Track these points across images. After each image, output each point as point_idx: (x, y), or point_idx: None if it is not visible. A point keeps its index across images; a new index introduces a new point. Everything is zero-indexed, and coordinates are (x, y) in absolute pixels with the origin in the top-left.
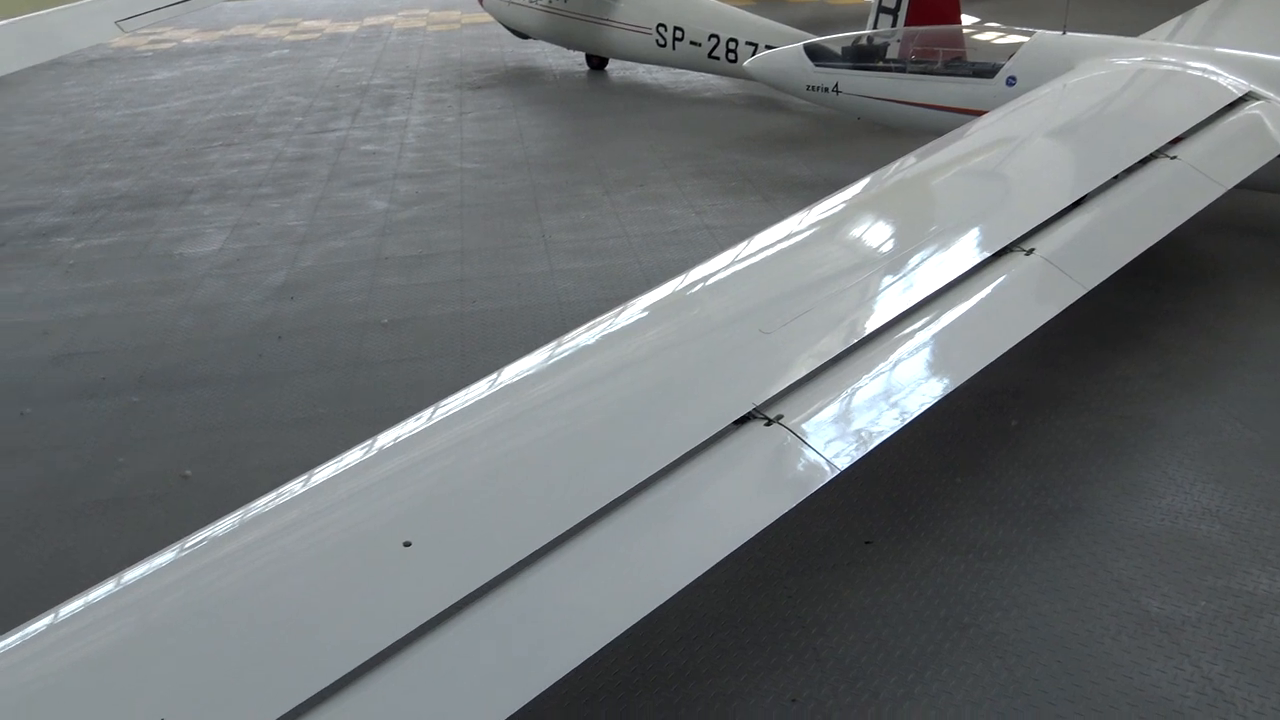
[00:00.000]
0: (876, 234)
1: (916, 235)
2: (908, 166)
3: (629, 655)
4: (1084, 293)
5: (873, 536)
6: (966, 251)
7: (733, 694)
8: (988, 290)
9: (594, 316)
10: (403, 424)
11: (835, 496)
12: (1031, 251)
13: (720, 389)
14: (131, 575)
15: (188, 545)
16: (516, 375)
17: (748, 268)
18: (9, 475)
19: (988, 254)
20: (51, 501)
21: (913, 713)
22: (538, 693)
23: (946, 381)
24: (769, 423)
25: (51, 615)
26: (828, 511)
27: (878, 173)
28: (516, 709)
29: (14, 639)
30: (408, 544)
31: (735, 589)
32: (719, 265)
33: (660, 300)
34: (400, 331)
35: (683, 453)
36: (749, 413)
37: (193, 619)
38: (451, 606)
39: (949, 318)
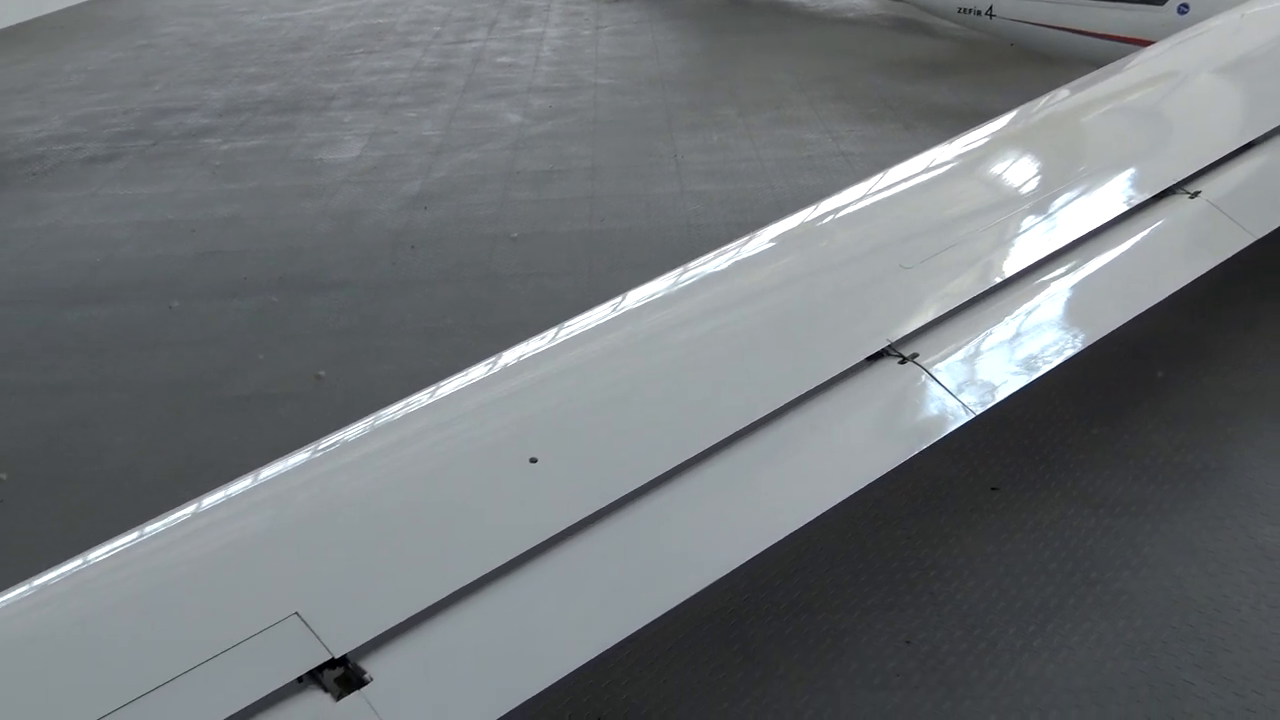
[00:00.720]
0: (1025, 170)
1: (1069, 173)
2: (1062, 99)
3: (742, 582)
4: (1252, 241)
5: (999, 483)
6: (1123, 192)
7: (845, 630)
8: (1145, 234)
9: (724, 241)
10: (530, 341)
11: (963, 439)
12: (1197, 194)
13: (854, 323)
14: (268, 472)
15: (321, 447)
16: (644, 298)
17: (887, 199)
18: (156, 366)
19: (1147, 196)
20: (195, 393)
21: (1030, 665)
22: (654, 616)
23: (1091, 330)
24: (903, 360)
25: (195, 504)
26: (953, 454)
27: (1028, 105)
28: (633, 630)
29: (158, 525)
30: (534, 460)
31: (853, 525)
32: (857, 195)
33: (794, 228)
34: (529, 246)
35: (813, 386)
36: (883, 349)
37: (325, 518)
38: (575, 524)
39: (1100, 262)
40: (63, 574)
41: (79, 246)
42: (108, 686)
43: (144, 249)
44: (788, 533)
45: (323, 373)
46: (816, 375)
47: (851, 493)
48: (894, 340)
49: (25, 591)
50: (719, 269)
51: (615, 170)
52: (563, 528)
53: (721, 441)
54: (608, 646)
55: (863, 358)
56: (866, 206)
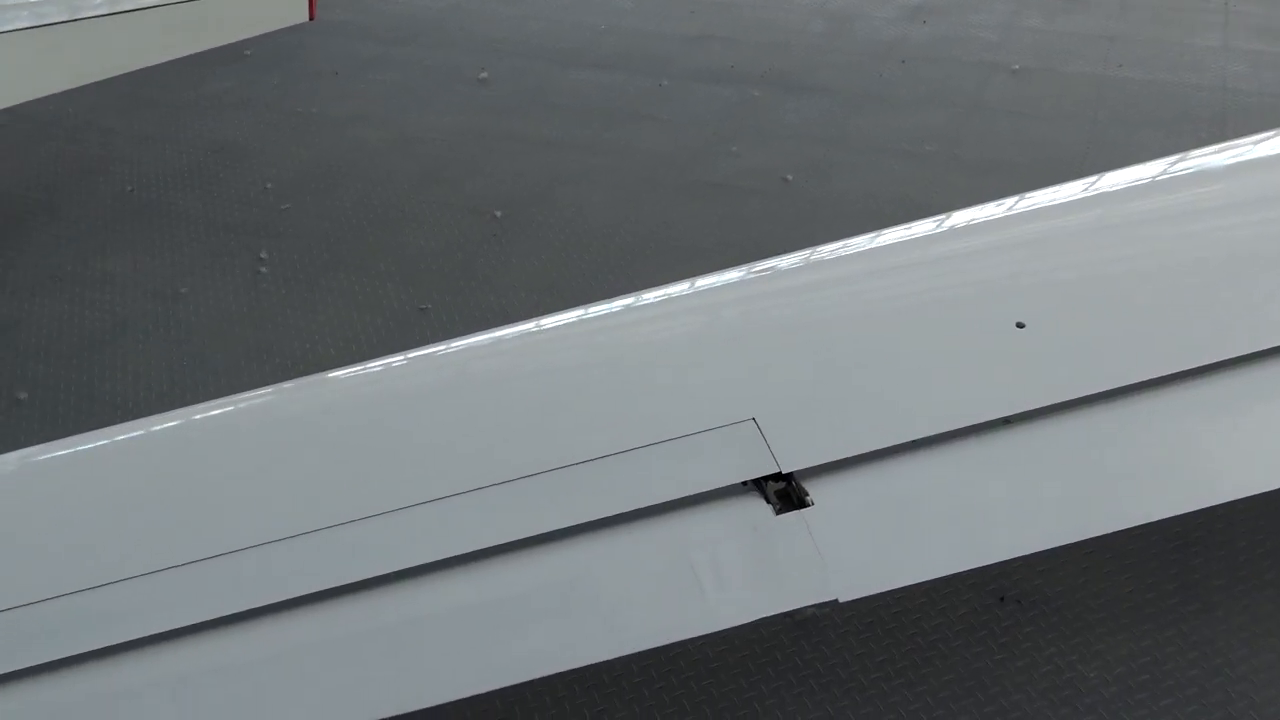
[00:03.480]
0: None
1: None
2: None
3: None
4: None
5: None
6: None
7: None
8: None
9: (1268, 114)
10: (1023, 197)
11: None
12: None
13: None
14: (760, 267)
15: (813, 256)
16: (1170, 171)
17: None
18: (639, 138)
19: None
20: (670, 171)
21: None
22: (1142, 520)
23: None
24: None
25: (687, 284)
26: None
27: None
28: (1107, 530)
29: (652, 295)
30: (1021, 325)
31: None
32: None
33: None
34: (1029, 82)
35: None
36: None
37: (799, 330)
38: (1063, 403)
39: None
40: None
41: (588, 11)
42: (595, 438)
43: (644, 22)
44: None
45: (790, 176)
46: None
47: None
48: None
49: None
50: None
51: (1147, 9)
52: (1040, 405)
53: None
54: (1066, 542)
55: None
56: None
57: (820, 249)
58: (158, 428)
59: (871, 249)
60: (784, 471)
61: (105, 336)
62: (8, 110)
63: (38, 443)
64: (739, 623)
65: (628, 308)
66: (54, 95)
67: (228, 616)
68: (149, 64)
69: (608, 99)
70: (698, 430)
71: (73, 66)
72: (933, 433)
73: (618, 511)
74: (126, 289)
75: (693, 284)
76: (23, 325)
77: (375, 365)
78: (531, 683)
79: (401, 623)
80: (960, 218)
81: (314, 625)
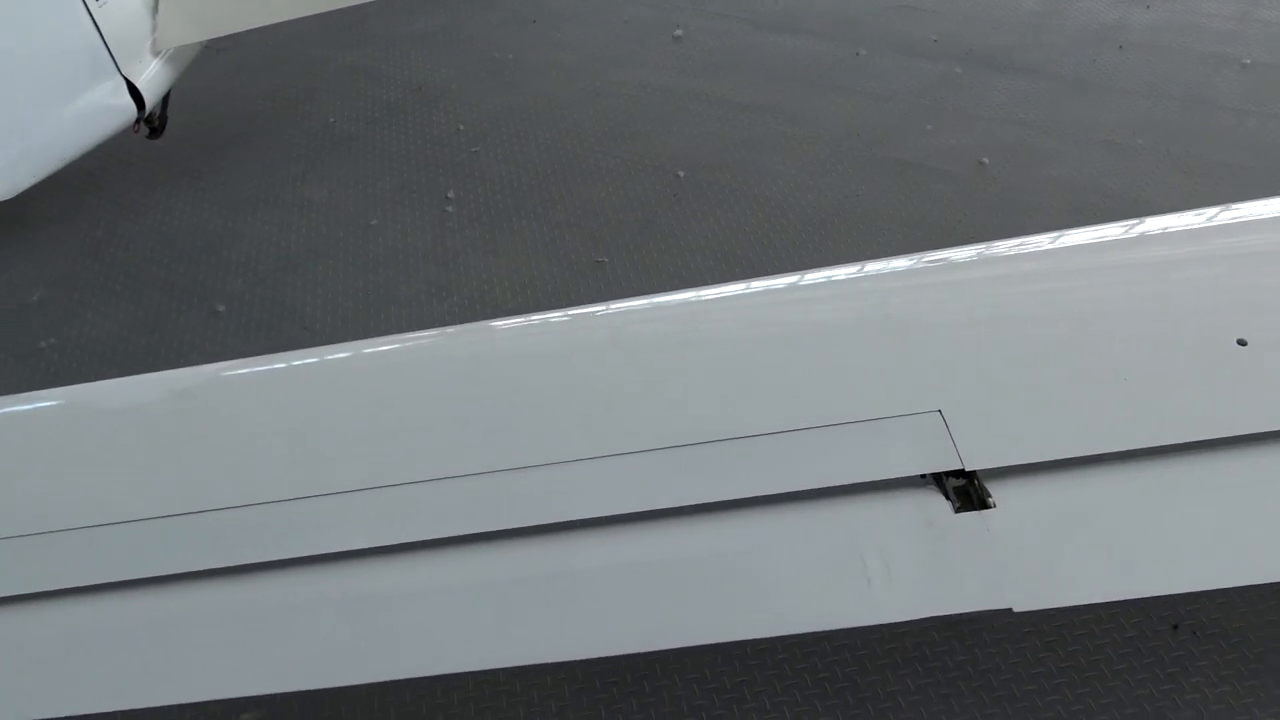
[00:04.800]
0: None
1: None
2: None
3: None
4: None
5: None
6: None
7: None
8: None
9: None
10: (1253, 203)
11: None
12: None
13: None
14: (958, 255)
15: (1005, 249)
16: None
17: None
18: (830, 108)
19: None
20: (858, 144)
21: None
22: None
23: None
24: None
25: (883, 264)
26: None
27: None
28: None
29: (847, 271)
30: (1242, 343)
31: None
32: None
33: None
34: (1261, 79)
35: None
36: None
37: (995, 323)
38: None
39: None
40: (755, 289)
41: None
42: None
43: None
44: None
45: (986, 159)
46: None
47: None
48: None
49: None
50: None
51: None
52: (1256, 430)
53: None
54: (1267, 581)
55: None
56: None
57: (1026, 240)
58: (341, 355)
59: (1077, 246)
60: (966, 469)
61: (299, 259)
62: (231, 38)
63: (232, 354)
64: (903, 619)
65: (822, 282)
66: (274, 26)
67: (414, 543)
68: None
69: (802, 66)
70: (880, 416)
71: None
72: (1131, 447)
73: (789, 489)
74: (322, 216)
75: (889, 264)
76: (227, 242)
77: (558, 315)
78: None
79: (566, 573)
80: (1177, 220)
81: (481, 564)
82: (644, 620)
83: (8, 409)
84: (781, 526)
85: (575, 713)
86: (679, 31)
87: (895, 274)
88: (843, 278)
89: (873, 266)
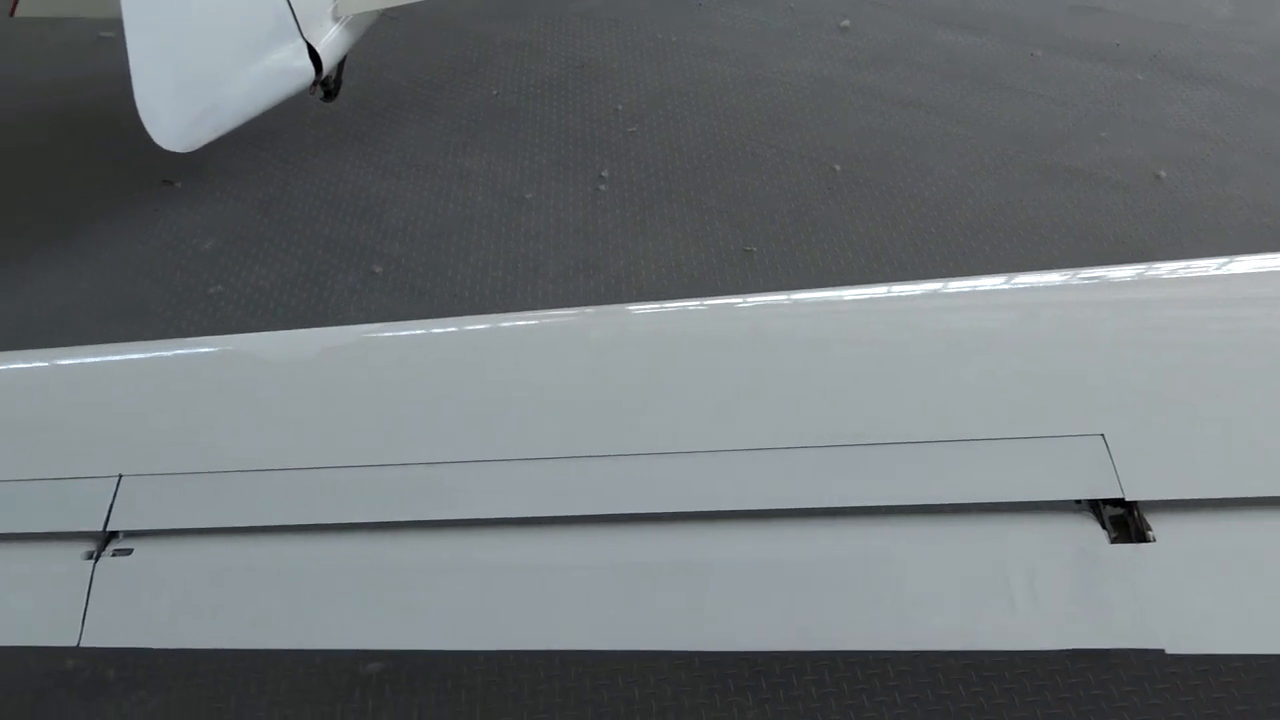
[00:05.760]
0: None
1: None
2: None
3: None
4: None
5: None
6: None
7: None
8: None
9: None
10: None
11: None
12: None
13: None
14: (1069, 277)
15: (1128, 272)
16: None
17: None
18: (999, 109)
19: None
20: (1027, 150)
21: None
22: None
23: None
24: None
25: (1066, 275)
26: None
27: None
28: None
29: (1026, 280)
30: None
31: None
32: None
33: None
34: None
35: None
36: None
37: (1160, 348)
38: None
39: None
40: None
41: None
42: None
43: None
44: None
45: (1163, 173)
46: None
47: None
48: None
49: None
50: None
51: None
52: None
53: None
54: None
55: None
56: None
57: (1208, 262)
58: (492, 325)
59: (1264, 273)
60: (1127, 499)
61: (455, 227)
62: (405, 9)
63: (385, 314)
64: (1046, 648)
65: (981, 290)
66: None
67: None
68: None
69: (973, 63)
70: (1039, 435)
71: None
72: None
73: (938, 501)
74: (479, 186)
75: (1053, 275)
76: (388, 205)
77: (708, 303)
78: None
79: (701, 563)
80: None
81: (616, 546)
82: (773, 619)
83: (180, 351)
84: (926, 539)
85: (690, 699)
86: (846, 22)
87: (1060, 287)
88: (1004, 286)
89: (1036, 277)
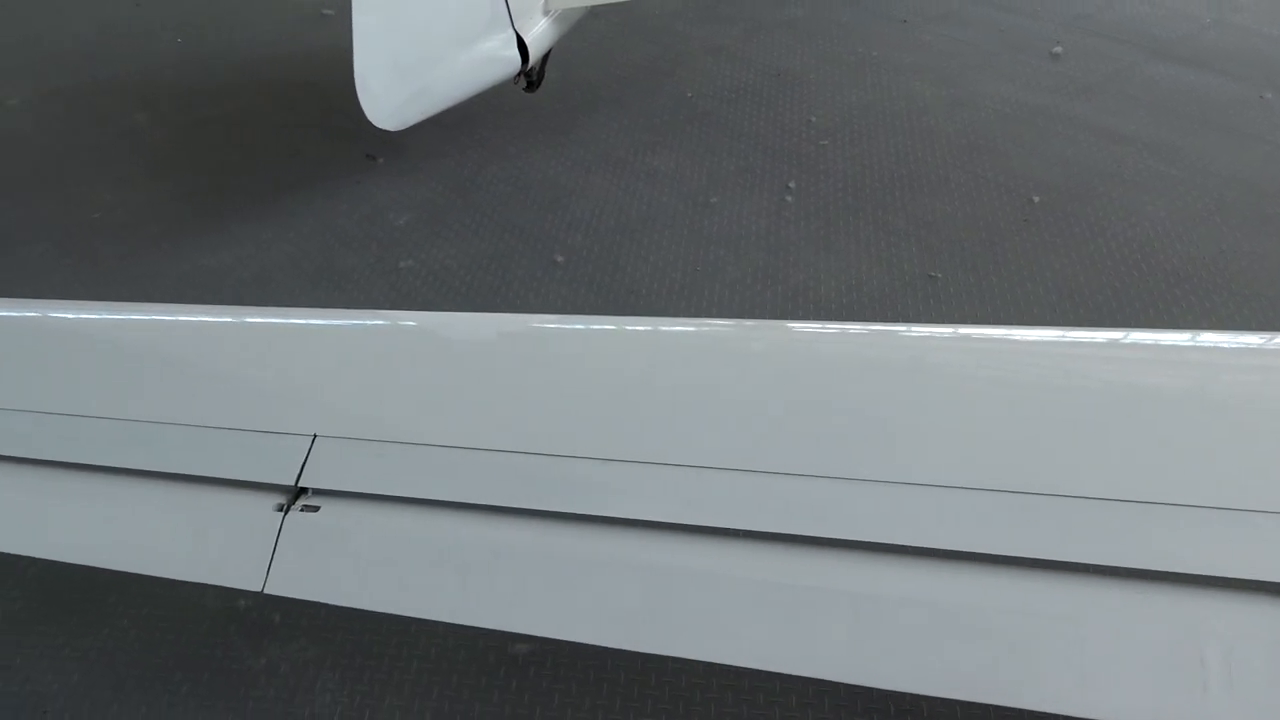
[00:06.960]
0: None
1: None
2: None
3: None
4: None
5: None
6: None
7: None
8: None
9: None
10: None
11: None
12: None
13: None
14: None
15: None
16: None
17: None
18: (1220, 153)
19: None
20: (1248, 198)
21: None
22: None
23: None
24: None
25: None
26: None
27: None
28: None
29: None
30: None
31: None
32: None
33: None
34: None
35: None
36: None
37: None
38: None
39: None
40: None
41: (1196, 0)
42: None
43: (1261, 21)
44: None
45: None
46: None
47: None
48: None
49: None
50: None
51: None
52: None
53: None
54: None
55: None
56: None
57: None
58: (673, 328)
59: None
60: None
61: (637, 225)
62: (611, 7)
63: (564, 303)
64: None
65: (1188, 345)
66: (649, 1)
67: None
68: None
69: (1193, 101)
70: (1248, 509)
71: None
72: None
73: (1132, 565)
74: (665, 186)
75: (1271, 337)
76: (575, 197)
77: (900, 328)
78: None
79: (866, 595)
80: None
81: (783, 566)
82: (935, 660)
83: (376, 322)
84: (1116, 603)
85: None
86: (1058, 48)
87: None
88: (1211, 344)
89: (1250, 338)
